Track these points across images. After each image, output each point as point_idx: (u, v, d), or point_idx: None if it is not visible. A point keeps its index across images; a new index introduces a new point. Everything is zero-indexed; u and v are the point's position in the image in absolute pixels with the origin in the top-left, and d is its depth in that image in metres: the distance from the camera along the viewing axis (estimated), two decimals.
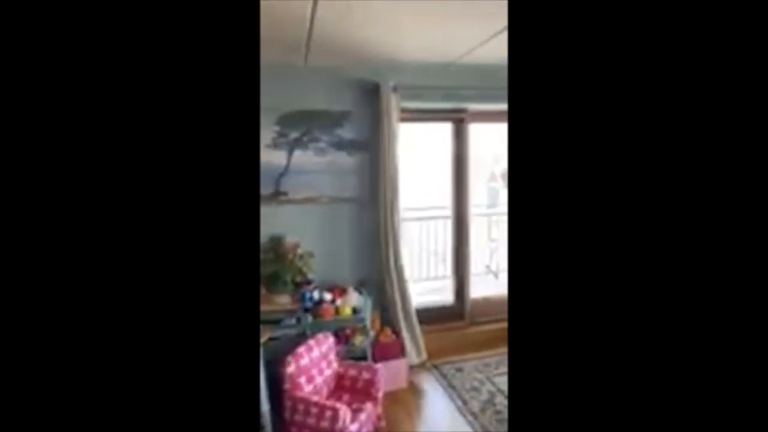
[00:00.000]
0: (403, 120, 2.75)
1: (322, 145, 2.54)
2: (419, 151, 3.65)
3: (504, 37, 2.04)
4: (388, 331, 2.58)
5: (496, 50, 2.26)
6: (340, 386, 2.11)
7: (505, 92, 2.62)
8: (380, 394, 2.05)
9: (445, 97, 2.68)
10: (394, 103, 2.49)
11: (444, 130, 2.99)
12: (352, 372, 2.12)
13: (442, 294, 3.30)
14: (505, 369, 2.69)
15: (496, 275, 3.24)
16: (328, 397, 2.01)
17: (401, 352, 2.54)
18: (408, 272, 3.97)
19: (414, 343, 2.65)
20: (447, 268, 3.32)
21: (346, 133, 2.56)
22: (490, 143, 3.24)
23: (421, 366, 2.69)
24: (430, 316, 3.01)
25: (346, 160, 2.59)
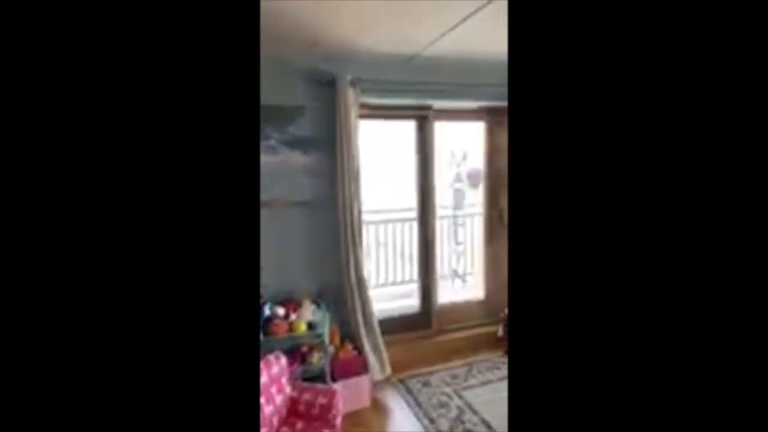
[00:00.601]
0: (364, 117, 2.56)
1: (272, 143, 2.30)
2: (389, 150, 3.46)
3: (468, 26, 1.89)
4: (348, 346, 2.38)
5: (461, 42, 2.10)
6: (294, 412, 1.89)
7: (470, 89, 2.49)
8: (338, 421, 1.84)
9: (408, 93, 2.51)
10: (352, 98, 2.29)
11: (411, 128, 2.82)
12: (307, 396, 1.90)
13: (410, 298, 3.13)
14: (474, 381, 2.55)
15: (463, 279, 3.10)
16: (279, 429, 1.78)
17: (364, 369, 2.34)
18: (374, 278, 3.82)
19: (377, 357, 2.45)
20: (414, 272, 3.15)
21: (300, 130, 2.34)
22: (457, 143, 3.10)
23: (386, 381, 2.50)
24: (395, 325, 2.83)
25: (300, 159, 2.36)
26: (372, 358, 2.41)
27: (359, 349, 2.39)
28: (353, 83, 2.29)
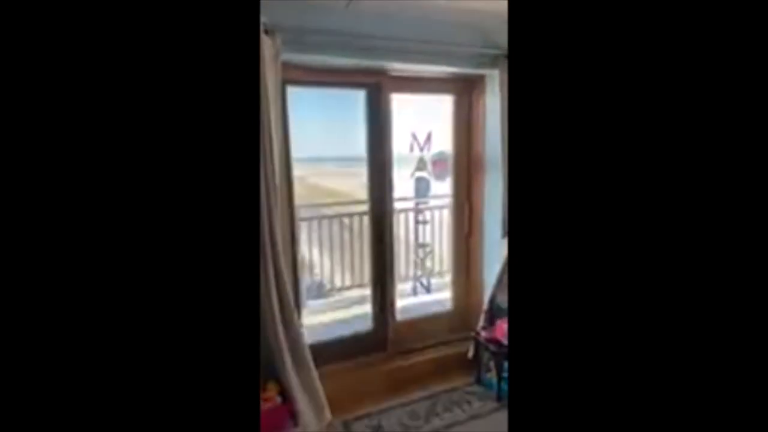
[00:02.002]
0: (294, 82, 1.94)
1: None
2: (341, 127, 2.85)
3: None
4: (272, 390, 1.78)
5: None
6: None
7: (436, 50, 1.56)
8: None
9: (352, 51, 1.89)
10: (269, 53, 1.64)
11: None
12: None
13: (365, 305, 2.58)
14: (437, 422, 2.02)
15: (427, 288, 2.55)
16: None
17: (292, 419, 1.76)
18: (328, 282, 3.25)
19: (311, 400, 1.87)
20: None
21: None
22: (420, 122, 2.52)
23: (327, 428, 1.93)
24: (340, 350, 2.27)
25: None
26: (303, 403, 1.82)
27: (286, 394, 1.80)
28: (270, 31, 1.64)
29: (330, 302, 3.68)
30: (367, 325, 2.42)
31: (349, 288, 3.83)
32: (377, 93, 2.17)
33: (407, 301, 2.56)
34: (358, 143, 2.28)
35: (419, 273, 2.62)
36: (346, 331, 2.40)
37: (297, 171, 2.14)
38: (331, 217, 3.62)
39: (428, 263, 2.64)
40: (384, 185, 2.27)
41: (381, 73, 2.12)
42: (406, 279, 3.37)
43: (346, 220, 3.65)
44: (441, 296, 2.75)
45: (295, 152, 2.04)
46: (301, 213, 3.50)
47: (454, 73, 2.28)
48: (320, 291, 4.27)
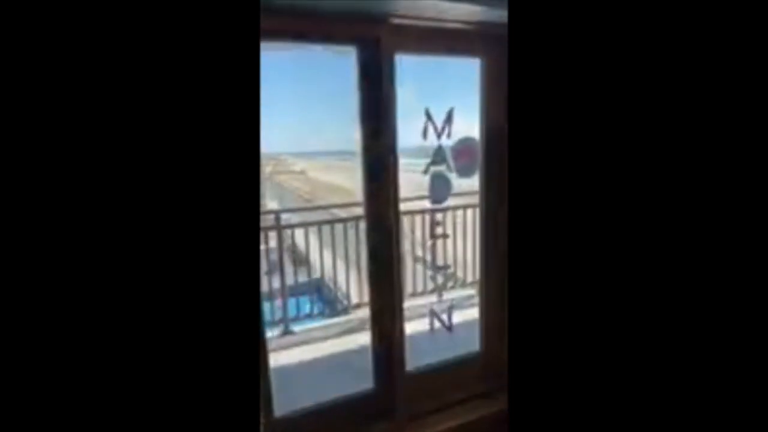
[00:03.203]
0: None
1: None
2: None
3: None
4: None
5: None
6: None
7: None
8: None
9: None
10: None
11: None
12: None
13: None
14: None
15: (449, 327, 1.88)
16: None
17: None
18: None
19: None
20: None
21: None
22: (433, 93, 1.84)
23: None
24: (326, 422, 1.61)
25: None
26: None
27: None
28: None
29: (328, 325, 3.07)
30: (366, 379, 1.75)
31: (348, 307, 3.22)
32: (374, 51, 1.48)
33: (418, 325, 1.89)
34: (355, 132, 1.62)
35: (433, 289, 1.95)
36: (342, 374, 1.76)
37: (297, 166, 1.48)
38: (321, 224, 2.96)
39: (448, 292, 1.97)
40: (386, 183, 1.60)
41: (380, 19, 1.44)
42: (414, 295, 2.74)
43: (339, 226, 3.01)
44: (465, 337, 2.04)
45: (294, 146, 1.39)
46: (292, 216, 2.88)
47: (482, 21, 1.59)
48: (326, 305, 3.70)
